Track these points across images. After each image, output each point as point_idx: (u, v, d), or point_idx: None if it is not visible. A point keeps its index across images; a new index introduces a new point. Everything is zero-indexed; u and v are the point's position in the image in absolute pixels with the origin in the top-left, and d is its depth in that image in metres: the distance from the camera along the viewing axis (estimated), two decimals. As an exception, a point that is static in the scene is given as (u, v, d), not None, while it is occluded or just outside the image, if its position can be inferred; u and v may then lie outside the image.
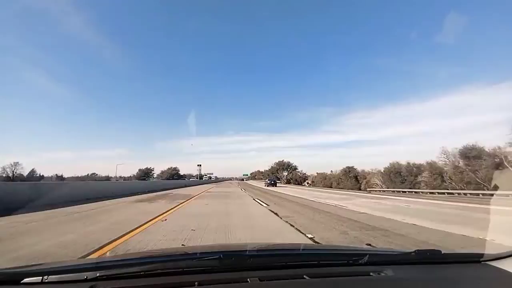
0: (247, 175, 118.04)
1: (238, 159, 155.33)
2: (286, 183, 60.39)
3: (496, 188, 20.11)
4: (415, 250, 1.27)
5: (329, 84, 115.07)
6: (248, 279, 1.00)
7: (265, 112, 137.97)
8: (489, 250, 1.31)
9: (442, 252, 1.27)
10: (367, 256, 1.20)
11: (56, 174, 78.13)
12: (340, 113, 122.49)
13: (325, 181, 51.78)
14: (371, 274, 1.10)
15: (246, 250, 1.34)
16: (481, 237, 4.48)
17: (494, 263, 1.22)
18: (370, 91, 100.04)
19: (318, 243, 3.97)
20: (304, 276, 1.05)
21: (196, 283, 0.96)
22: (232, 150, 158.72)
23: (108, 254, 3.33)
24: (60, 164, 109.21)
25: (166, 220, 6.13)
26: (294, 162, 76.29)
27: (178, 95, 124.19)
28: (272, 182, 35.30)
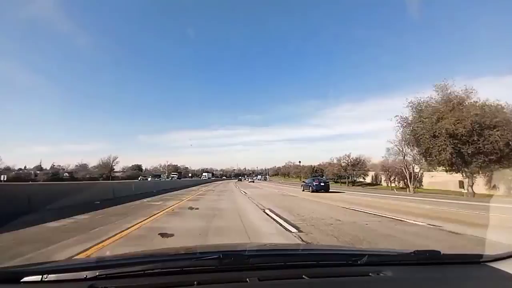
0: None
1: (224, 153, 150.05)
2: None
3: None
4: (414, 251, 1.27)
5: (315, 77, 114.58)
6: (247, 279, 1.00)
7: (250, 105, 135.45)
8: (488, 251, 1.31)
9: (442, 253, 1.27)
10: (366, 256, 1.20)
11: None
12: (325, 106, 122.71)
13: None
14: (370, 274, 1.10)
15: (246, 250, 1.34)
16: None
17: (493, 264, 1.22)
18: (355, 85, 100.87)
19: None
20: (303, 276, 1.05)
21: (195, 282, 0.96)
22: (217, 144, 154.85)
23: (108, 253, 3.34)
24: (33, 159, 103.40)
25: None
26: (281, 156, 71.81)
27: (163, 88, 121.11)
28: (322, 184, 20.50)
